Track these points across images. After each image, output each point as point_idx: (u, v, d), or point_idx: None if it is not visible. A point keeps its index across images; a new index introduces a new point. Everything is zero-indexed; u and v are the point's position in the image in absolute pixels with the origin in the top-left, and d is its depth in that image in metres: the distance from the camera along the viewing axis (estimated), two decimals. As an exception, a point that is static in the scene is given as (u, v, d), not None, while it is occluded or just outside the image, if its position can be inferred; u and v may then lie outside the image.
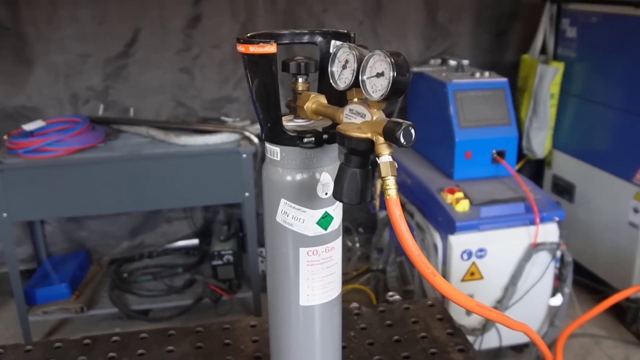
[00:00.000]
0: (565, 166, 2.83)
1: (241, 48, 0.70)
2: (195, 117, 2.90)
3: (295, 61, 0.74)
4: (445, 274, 2.16)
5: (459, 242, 2.10)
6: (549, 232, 2.15)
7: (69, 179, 2.37)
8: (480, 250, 2.12)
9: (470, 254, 2.11)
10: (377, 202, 2.67)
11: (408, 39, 3.02)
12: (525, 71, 2.84)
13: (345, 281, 2.89)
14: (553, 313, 2.23)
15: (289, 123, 0.76)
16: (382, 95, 0.63)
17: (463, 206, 2.12)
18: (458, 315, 2.17)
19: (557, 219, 2.14)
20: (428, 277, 0.64)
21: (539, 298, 2.23)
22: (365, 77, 0.65)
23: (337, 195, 0.67)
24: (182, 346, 1.12)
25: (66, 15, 2.63)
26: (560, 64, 2.73)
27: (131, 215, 2.97)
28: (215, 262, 2.65)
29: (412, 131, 0.61)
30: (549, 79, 2.69)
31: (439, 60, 2.78)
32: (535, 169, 3.12)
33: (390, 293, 1.30)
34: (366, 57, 0.65)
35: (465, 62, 2.59)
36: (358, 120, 0.67)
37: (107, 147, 2.43)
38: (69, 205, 2.44)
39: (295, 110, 0.77)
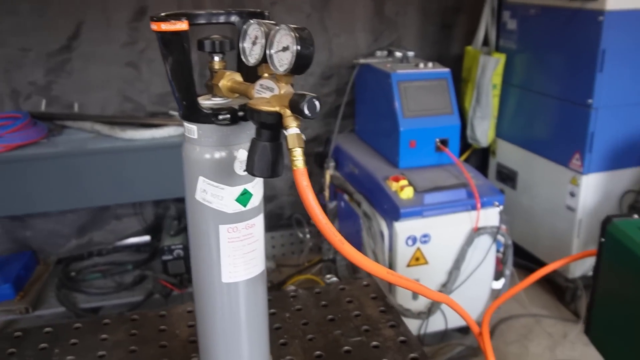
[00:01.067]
0: (508, 154, 2.92)
1: (154, 26, 0.70)
2: (142, 111, 2.86)
3: (210, 39, 0.75)
4: (391, 260, 2.20)
5: (404, 228, 2.15)
6: (490, 216, 2.22)
7: (10, 176, 2.30)
8: (425, 235, 2.17)
9: (414, 240, 2.16)
10: (326, 193, 2.69)
11: (356, 32, 3.05)
12: (469, 62, 2.92)
13: (297, 272, 2.91)
14: (495, 295, 2.31)
15: (206, 101, 0.77)
16: (287, 69, 0.65)
17: (407, 193, 2.17)
18: (404, 299, 2.22)
19: (497, 203, 2.21)
20: (336, 244, 0.66)
21: (482, 281, 2.30)
22: (272, 52, 0.67)
23: (249, 168, 0.69)
24: (116, 334, 1.11)
25: (4, 8, 2.56)
26: (502, 55, 2.81)
27: (78, 213, 2.91)
28: (165, 257, 2.62)
29: (317, 103, 0.63)
30: (490, 70, 2.77)
31: (385, 52, 2.82)
32: (481, 158, 3.20)
33: (328, 276, 1.32)
34: (272, 32, 0.66)
35: (411, 53, 2.64)
36: (268, 94, 0.69)
37: (50, 143, 2.38)
38: (10, 204, 2.38)
39: (212, 89, 0.78)
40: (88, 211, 2.92)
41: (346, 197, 2.54)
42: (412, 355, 1.03)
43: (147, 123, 2.51)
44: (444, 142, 2.36)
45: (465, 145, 3.07)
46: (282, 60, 0.66)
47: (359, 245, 2.39)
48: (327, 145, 2.76)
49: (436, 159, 2.39)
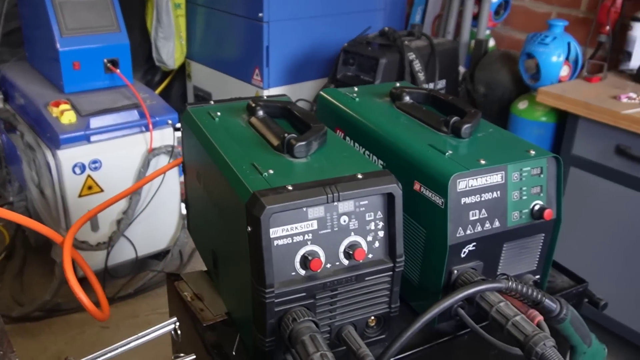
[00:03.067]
0: (202, 76, 2.89)
1: None
2: None
3: None
4: (61, 192, 2.03)
5: (68, 156, 1.98)
6: (165, 136, 2.17)
7: None
8: (94, 162, 2.03)
9: (83, 167, 2.02)
10: (-5, 130, 2.37)
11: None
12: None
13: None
14: (185, 219, 2.30)
15: None
16: None
17: (69, 118, 1.99)
18: (82, 232, 2.08)
19: (170, 122, 2.16)
20: None
21: (169, 204, 2.27)
22: None
23: None
24: None
25: None
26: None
27: None
28: None
29: None
30: (170, -12, 2.66)
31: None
32: (183, 83, 3.14)
33: None
34: None
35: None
36: None
37: None
38: None
39: None
40: None
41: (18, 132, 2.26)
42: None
43: None
44: (114, 63, 2.21)
45: (166, 71, 2.97)
46: None
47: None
48: (-8, 75, 2.41)
49: (108, 81, 2.23)
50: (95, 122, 2.03)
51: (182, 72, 3.04)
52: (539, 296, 0.78)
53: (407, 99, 0.99)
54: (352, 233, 0.72)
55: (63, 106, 2.02)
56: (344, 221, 0.71)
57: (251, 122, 0.89)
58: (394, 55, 2.14)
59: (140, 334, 0.74)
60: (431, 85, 2.28)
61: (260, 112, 0.90)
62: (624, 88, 1.92)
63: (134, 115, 2.12)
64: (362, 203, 0.72)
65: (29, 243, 2.37)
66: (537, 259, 0.88)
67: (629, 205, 1.79)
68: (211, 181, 0.84)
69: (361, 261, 0.74)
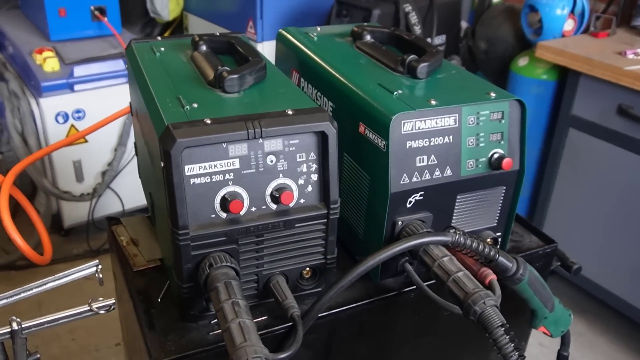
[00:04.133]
0: (198, 29, 2.80)
1: None
2: None
3: None
4: (45, 141, 2.00)
5: (51, 104, 1.94)
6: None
7: None
8: (78, 111, 1.98)
9: (66, 117, 1.97)
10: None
11: None
12: None
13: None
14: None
15: None
16: None
17: (52, 65, 1.94)
18: (66, 182, 2.05)
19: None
20: None
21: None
22: None
23: None
24: None
25: None
26: None
27: None
28: None
29: None
30: None
31: None
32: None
33: None
34: None
35: None
36: None
37: None
38: None
39: None
40: None
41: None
42: None
43: None
44: (101, 11, 2.14)
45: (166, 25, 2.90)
46: None
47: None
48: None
49: (96, 30, 2.17)
50: (80, 70, 1.98)
51: (181, 26, 2.96)
52: (491, 252, 0.71)
53: (367, 38, 0.91)
54: (281, 175, 0.66)
55: (46, 53, 1.97)
56: (271, 161, 0.65)
57: (193, 56, 0.82)
58: (388, 7, 2.03)
59: (57, 275, 0.70)
60: (428, 40, 2.17)
61: (204, 47, 0.84)
62: (633, 44, 1.80)
63: (119, 64, 2.05)
64: (291, 142, 0.66)
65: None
66: (498, 215, 0.81)
67: (629, 169, 1.70)
68: (142, 118, 0.78)
69: (290, 206, 0.68)
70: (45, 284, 0.69)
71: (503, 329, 0.61)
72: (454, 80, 0.80)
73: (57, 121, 1.96)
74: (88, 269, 0.72)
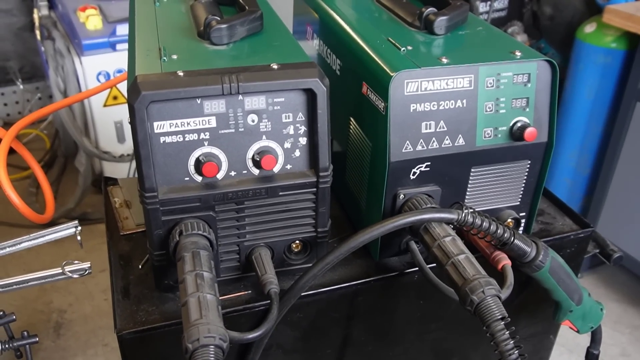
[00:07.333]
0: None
1: None
2: None
3: None
4: (88, 100, 2.01)
5: (93, 63, 1.94)
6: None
7: None
8: (119, 71, 1.98)
9: (107, 76, 1.97)
10: (37, 33, 2.37)
11: None
12: None
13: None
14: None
15: None
16: None
17: (94, 23, 1.93)
18: (107, 142, 2.07)
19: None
20: None
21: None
22: None
23: None
24: None
25: None
26: None
27: None
28: None
29: None
30: None
31: None
32: None
33: None
34: None
35: None
36: None
37: None
38: None
39: None
40: None
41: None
42: None
43: None
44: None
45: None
46: None
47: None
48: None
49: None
50: (122, 29, 1.96)
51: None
52: (505, 234, 0.62)
53: (389, -11, 0.81)
54: (264, 137, 0.59)
55: (90, 11, 1.96)
56: (252, 121, 0.59)
57: (192, 6, 0.76)
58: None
59: (33, 235, 0.67)
60: (486, 4, 2.01)
61: (205, -3, 0.77)
62: None
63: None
64: (276, 100, 0.59)
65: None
66: (522, 193, 0.72)
67: (700, 150, 1.52)
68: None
69: (275, 172, 0.61)
70: (20, 243, 0.67)
71: (503, 322, 0.53)
72: (477, 37, 0.70)
73: (98, 80, 1.96)
74: (67, 229, 0.69)
